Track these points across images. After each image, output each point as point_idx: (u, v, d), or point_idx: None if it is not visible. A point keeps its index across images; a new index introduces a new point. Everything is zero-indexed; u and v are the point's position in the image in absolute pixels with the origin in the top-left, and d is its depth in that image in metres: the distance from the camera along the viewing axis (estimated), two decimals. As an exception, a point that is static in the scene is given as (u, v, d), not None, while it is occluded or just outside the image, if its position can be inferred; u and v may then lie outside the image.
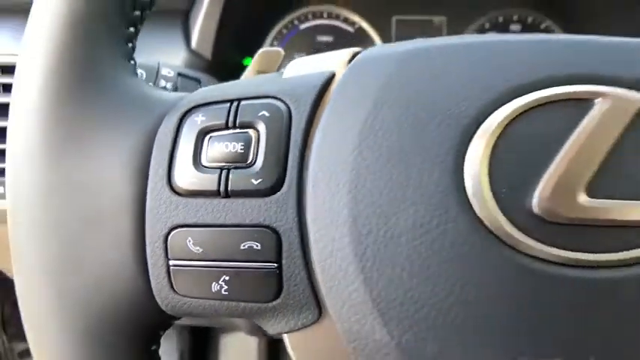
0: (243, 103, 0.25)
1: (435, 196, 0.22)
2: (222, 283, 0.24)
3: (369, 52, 0.26)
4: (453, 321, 0.22)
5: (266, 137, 0.24)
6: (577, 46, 0.24)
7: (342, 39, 0.72)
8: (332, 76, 0.25)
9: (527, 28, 0.71)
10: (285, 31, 0.72)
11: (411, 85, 0.24)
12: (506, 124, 0.22)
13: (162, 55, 0.56)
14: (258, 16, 0.69)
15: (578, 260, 0.22)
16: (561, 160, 0.22)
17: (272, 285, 0.24)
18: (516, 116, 0.22)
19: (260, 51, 0.35)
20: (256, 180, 0.23)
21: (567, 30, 0.70)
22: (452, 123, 0.23)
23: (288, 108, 0.24)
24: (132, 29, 0.28)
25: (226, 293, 0.24)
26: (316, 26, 0.72)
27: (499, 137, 0.22)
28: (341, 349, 0.24)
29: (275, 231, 0.24)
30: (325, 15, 0.72)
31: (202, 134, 0.25)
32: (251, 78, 0.28)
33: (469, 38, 0.25)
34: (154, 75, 0.40)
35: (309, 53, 0.72)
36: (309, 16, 0.72)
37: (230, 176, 0.24)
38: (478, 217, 0.22)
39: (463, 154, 0.22)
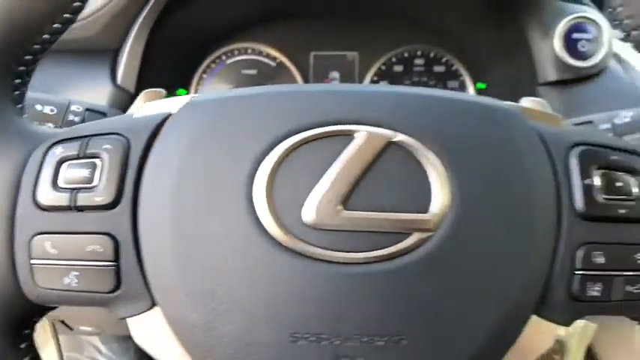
0: (94, 138, 0.32)
1: (233, 213, 0.29)
2: (73, 277, 0.30)
3: (196, 98, 0.33)
4: (245, 307, 0.29)
5: (108, 165, 0.31)
6: (344, 95, 0.31)
7: (264, 72, 0.79)
8: (167, 117, 0.32)
9: (430, 62, 0.79)
10: (213, 65, 0.79)
11: (219, 126, 0.31)
12: (285, 156, 0.29)
13: (89, 90, 0.63)
14: (185, 51, 0.76)
15: (340, 258, 0.29)
16: (324, 180, 0.29)
17: (112, 279, 0.30)
18: (293, 149, 0.30)
19: (144, 91, 0.42)
20: (98, 197, 0.30)
21: (465, 62, 0.78)
22: (246, 156, 0.30)
23: (129, 142, 0.31)
24: (18, 80, 0.34)
25: (76, 285, 0.30)
26: (241, 61, 0.79)
27: (279, 165, 0.29)
28: (168, 329, 0.30)
29: (114, 237, 0.30)
30: (249, 51, 0.80)
31: (60, 162, 0.31)
32: (108, 118, 0.35)
33: (265, 89, 0.32)
34: (64, 111, 0.47)
35: (235, 85, 0.80)
36: (235, 52, 0.80)
37: (79, 195, 0.30)
38: (264, 227, 0.29)
39: (252, 179, 0.29)
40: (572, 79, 0.63)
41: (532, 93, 0.67)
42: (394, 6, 0.76)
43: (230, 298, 0.29)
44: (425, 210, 0.29)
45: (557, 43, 0.63)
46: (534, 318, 0.31)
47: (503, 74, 0.74)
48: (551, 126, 0.32)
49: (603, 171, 0.31)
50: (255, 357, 0.29)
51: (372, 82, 0.79)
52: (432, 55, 0.79)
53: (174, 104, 0.33)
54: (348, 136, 0.30)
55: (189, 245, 0.29)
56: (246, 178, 0.29)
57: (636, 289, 0.30)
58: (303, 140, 0.30)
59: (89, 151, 0.31)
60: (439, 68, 0.79)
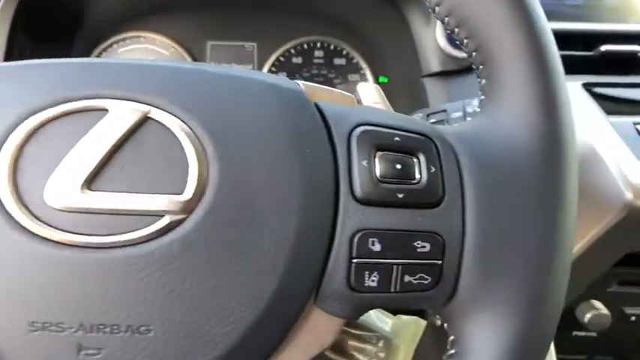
0: None
1: None
2: None
3: None
4: None
5: None
6: (98, 68, 0.29)
7: (159, 62, 0.77)
8: None
9: (329, 53, 0.77)
10: (105, 53, 0.76)
11: None
12: (31, 134, 0.27)
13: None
14: (73, 38, 0.73)
15: (83, 242, 0.26)
16: (68, 159, 0.27)
17: None
18: (39, 127, 0.27)
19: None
20: None
21: (364, 55, 0.77)
22: None
23: None
24: None
25: None
26: (134, 49, 0.77)
27: (24, 144, 0.27)
28: None
29: None
30: (142, 40, 0.77)
31: None
32: None
33: (19, 63, 0.29)
34: None
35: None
36: (127, 41, 0.77)
37: None
38: (6, 210, 0.26)
39: None
40: (455, 70, 0.62)
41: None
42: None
43: None
44: (180, 191, 0.27)
45: (439, 34, 0.61)
46: (312, 309, 0.29)
47: (401, 66, 0.73)
48: (338, 105, 0.31)
49: (383, 153, 0.29)
50: None
51: (270, 72, 0.77)
52: (332, 47, 0.77)
53: None
54: (102, 111, 0.27)
55: None
56: None
57: (416, 279, 0.28)
58: (51, 117, 0.27)
59: None
60: (339, 61, 0.77)
